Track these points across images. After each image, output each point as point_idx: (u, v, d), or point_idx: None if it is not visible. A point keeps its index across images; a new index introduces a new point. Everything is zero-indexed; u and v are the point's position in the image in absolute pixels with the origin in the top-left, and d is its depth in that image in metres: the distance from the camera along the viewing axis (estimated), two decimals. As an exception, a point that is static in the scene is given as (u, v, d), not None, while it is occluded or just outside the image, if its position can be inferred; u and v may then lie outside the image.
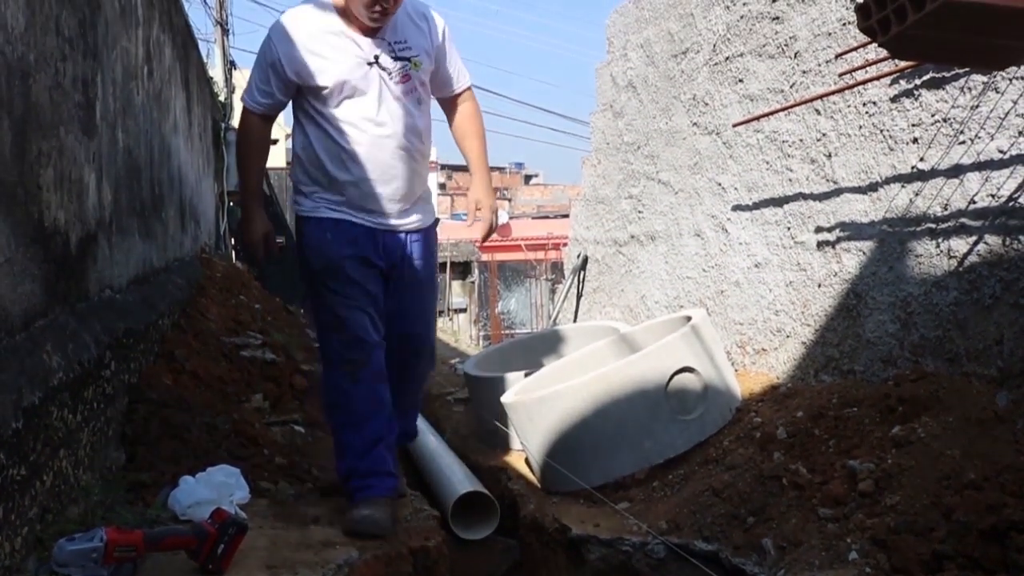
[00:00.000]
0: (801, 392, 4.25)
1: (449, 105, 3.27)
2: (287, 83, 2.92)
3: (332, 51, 2.87)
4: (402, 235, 3.10)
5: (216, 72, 10.62)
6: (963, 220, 3.53)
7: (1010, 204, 3.33)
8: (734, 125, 4.91)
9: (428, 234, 3.23)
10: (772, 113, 4.55)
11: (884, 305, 3.93)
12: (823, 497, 3.21)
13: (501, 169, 40.66)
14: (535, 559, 4.13)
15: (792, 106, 4.40)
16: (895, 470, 3.11)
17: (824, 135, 4.29)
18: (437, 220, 3.33)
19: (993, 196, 3.40)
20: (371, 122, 2.92)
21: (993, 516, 2.51)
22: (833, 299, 4.26)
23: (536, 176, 45.77)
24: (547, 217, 26.74)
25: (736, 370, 4.83)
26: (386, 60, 2.91)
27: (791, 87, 4.52)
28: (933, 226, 3.67)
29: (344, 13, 2.87)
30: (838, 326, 4.23)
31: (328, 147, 2.96)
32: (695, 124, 5.41)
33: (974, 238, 3.49)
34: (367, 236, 3.02)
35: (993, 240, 3.41)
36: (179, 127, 5.72)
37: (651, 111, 5.94)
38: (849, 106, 4.12)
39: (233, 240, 11.26)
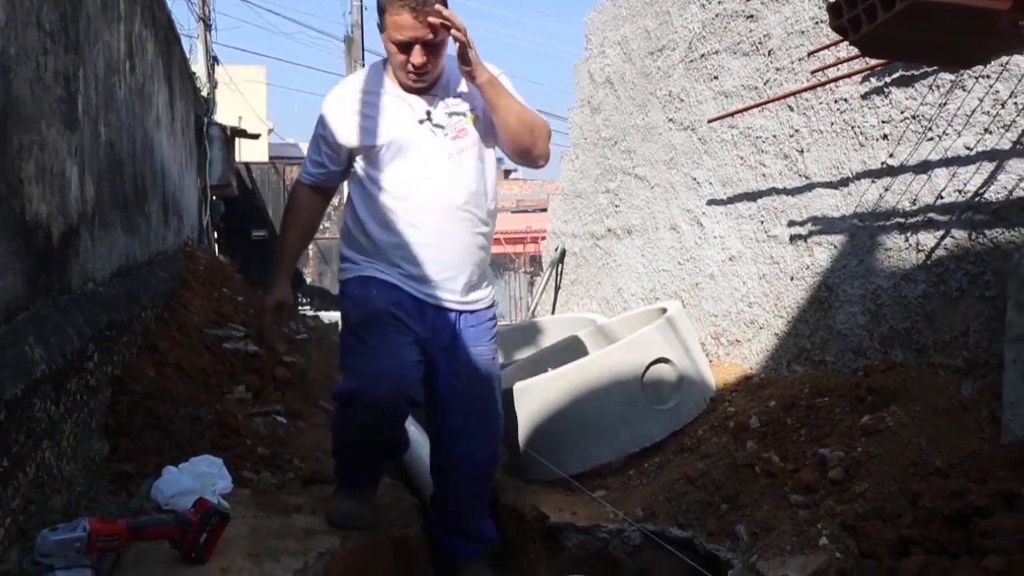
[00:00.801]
0: (774, 382, 4.33)
1: None
2: (337, 150, 2.86)
3: (381, 110, 2.79)
4: (454, 314, 2.88)
5: (199, 68, 10.60)
6: (931, 215, 3.62)
7: (976, 199, 3.41)
8: (709, 121, 4.98)
9: (485, 317, 3.01)
10: (746, 109, 4.62)
11: (855, 297, 4.01)
12: (795, 484, 3.28)
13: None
14: (514, 547, 4.18)
15: (766, 103, 4.47)
16: (864, 458, 3.18)
17: (797, 131, 4.36)
18: (494, 304, 3.12)
19: (960, 191, 3.48)
20: (419, 179, 2.78)
21: (958, 502, 2.59)
22: (805, 292, 4.34)
23: (515, 171, 45.68)
24: (526, 211, 26.77)
25: (711, 361, 4.90)
26: (439, 116, 2.79)
27: (765, 84, 4.59)
28: (902, 220, 3.75)
29: (394, 78, 2.82)
30: (810, 318, 4.31)
31: (373, 209, 2.83)
32: (671, 120, 5.47)
33: (941, 232, 3.57)
34: (414, 305, 2.82)
35: (960, 234, 3.49)
36: (162, 122, 5.73)
37: (628, 107, 6.00)
38: (821, 103, 4.20)
39: (216, 234, 11.24)
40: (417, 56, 2.66)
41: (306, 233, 3.07)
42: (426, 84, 2.78)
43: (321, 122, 2.86)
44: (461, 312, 2.89)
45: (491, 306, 3.04)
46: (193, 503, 2.43)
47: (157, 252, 5.19)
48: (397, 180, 2.78)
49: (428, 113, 2.78)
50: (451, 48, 2.76)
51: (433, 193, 2.77)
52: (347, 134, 2.81)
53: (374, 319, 2.77)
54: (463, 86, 2.82)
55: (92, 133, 3.25)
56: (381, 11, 2.67)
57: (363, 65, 14.91)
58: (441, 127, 2.78)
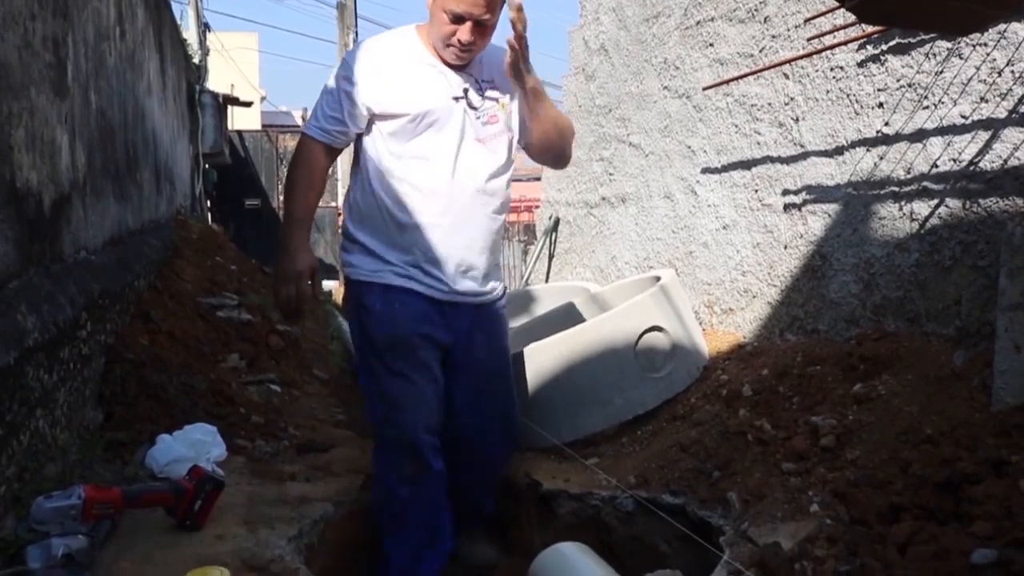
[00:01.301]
0: (767, 351, 4.35)
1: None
2: (359, 113, 2.64)
3: (417, 79, 2.62)
4: (471, 308, 2.78)
5: (190, 34, 10.49)
6: (925, 184, 3.61)
7: (971, 168, 3.41)
8: (704, 89, 4.95)
9: (500, 310, 2.93)
10: (741, 77, 4.60)
11: (848, 266, 4.02)
12: (786, 452, 3.30)
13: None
14: (507, 514, 4.21)
15: (761, 70, 4.44)
16: (856, 426, 3.20)
17: (792, 99, 4.34)
18: (505, 293, 3.01)
19: (955, 160, 3.48)
20: (450, 159, 2.63)
21: (947, 469, 2.61)
22: (799, 260, 4.34)
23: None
24: (520, 180, 26.64)
25: (704, 329, 4.91)
26: (474, 97, 2.67)
27: (760, 52, 4.56)
28: (896, 189, 3.75)
29: (432, 47, 2.66)
30: (803, 287, 4.31)
31: (394, 188, 2.65)
32: (666, 88, 5.44)
33: (935, 201, 3.57)
34: (436, 310, 2.69)
35: (954, 203, 3.49)
36: (153, 89, 5.67)
37: (622, 74, 5.96)
38: (817, 71, 4.17)
39: (208, 202, 11.19)
40: (466, 33, 2.53)
41: (316, 193, 2.79)
42: (464, 63, 2.66)
43: (346, 75, 2.63)
44: (478, 305, 2.78)
45: (503, 295, 2.96)
46: (188, 471, 2.44)
47: (149, 220, 5.17)
48: (426, 156, 2.62)
49: (465, 91, 2.65)
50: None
51: (463, 174, 2.64)
52: (378, 95, 2.61)
53: (401, 342, 2.64)
54: (497, 72, 2.69)
55: (82, 100, 3.22)
56: None
57: (356, 33, 14.75)
58: (475, 108, 2.66)
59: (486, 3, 2.49)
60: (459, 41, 2.54)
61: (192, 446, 2.79)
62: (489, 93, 2.69)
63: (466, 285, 2.72)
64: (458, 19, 2.50)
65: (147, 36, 5.44)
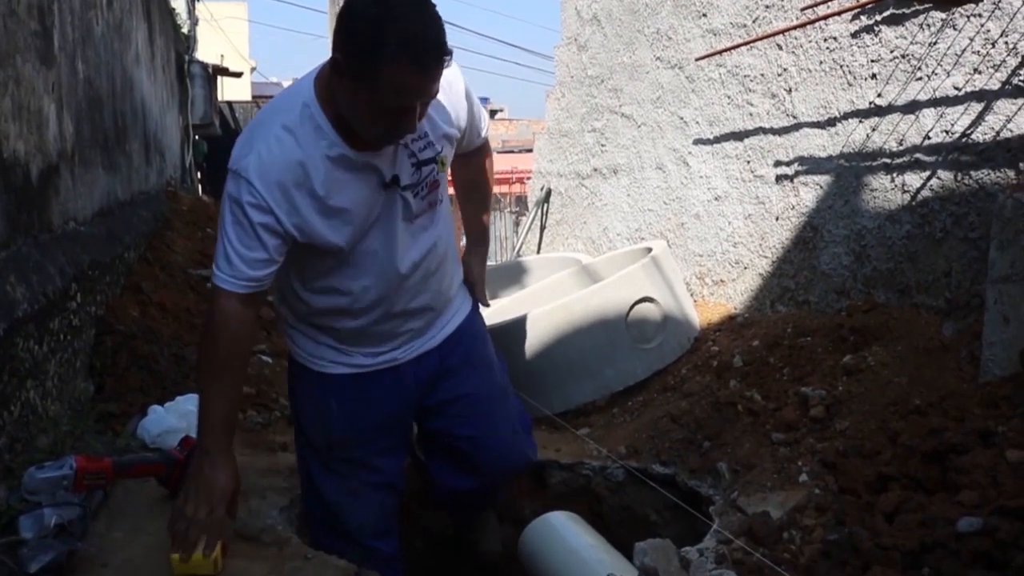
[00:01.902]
0: (757, 322, 4.36)
1: (462, 162, 2.42)
2: (286, 242, 1.97)
3: (344, 189, 1.96)
4: (434, 354, 2.32)
5: (179, 4, 10.36)
6: (918, 155, 3.61)
7: (963, 140, 3.40)
8: (697, 59, 4.93)
9: (472, 323, 2.46)
10: (734, 47, 4.57)
11: (839, 238, 4.02)
12: (776, 423, 3.32)
13: (466, 102, 40.11)
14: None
15: (754, 40, 4.42)
16: (845, 397, 3.22)
17: (785, 70, 4.33)
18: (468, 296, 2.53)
19: (947, 132, 3.47)
20: (386, 260, 2.09)
21: (935, 439, 2.63)
22: (790, 232, 4.34)
23: (501, 111, 45.31)
24: (512, 152, 26.58)
25: (695, 301, 4.92)
26: (406, 174, 2.02)
27: (754, 22, 4.53)
28: (888, 161, 3.75)
29: (342, 126, 1.92)
30: (794, 258, 4.32)
31: (330, 302, 2.16)
32: (658, 58, 5.41)
33: (927, 173, 3.57)
34: (391, 383, 2.25)
35: (946, 175, 3.49)
36: (141, 59, 5.62)
37: (615, 45, 5.92)
38: (810, 41, 4.15)
39: (199, 174, 11.11)
40: (414, 117, 1.85)
41: (241, 372, 2.15)
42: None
43: (255, 202, 1.88)
44: (440, 346, 2.33)
45: (469, 309, 2.48)
46: (179, 441, 2.44)
47: (139, 192, 5.14)
48: (358, 265, 2.07)
49: (395, 177, 2.00)
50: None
51: (405, 268, 2.12)
52: (311, 231, 1.95)
53: (337, 444, 2.25)
54: (430, 121, 2.03)
55: (69, 69, 3.19)
56: (363, 61, 1.75)
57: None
58: (408, 188, 2.04)
59: (436, 73, 1.80)
60: (407, 131, 1.90)
61: (184, 417, 2.79)
62: (423, 155, 2.04)
63: (421, 341, 2.28)
64: (400, 111, 1.82)
65: (135, 5, 5.38)
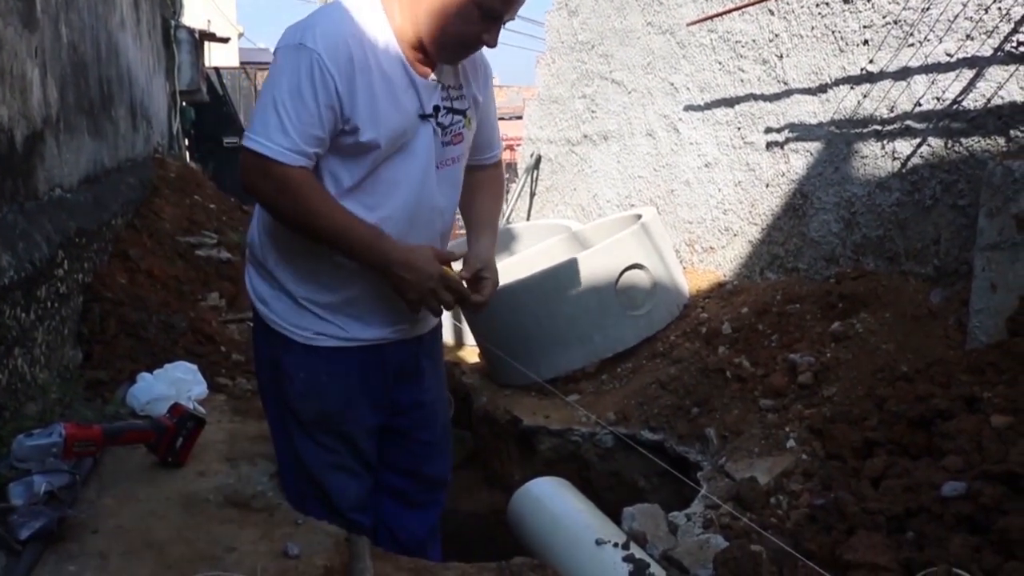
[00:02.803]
0: (747, 289, 4.37)
1: (472, 172, 2.25)
2: (338, 127, 1.86)
3: (390, 92, 1.90)
4: (414, 344, 2.21)
5: (165, -34, 10.22)
6: (908, 122, 3.60)
7: (954, 107, 3.40)
8: (688, 24, 4.89)
9: (438, 331, 2.40)
10: (726, 13, 4.54)
11: (829, 205, 4.02)
12: (764, 389, 3.35)
13: (456, 67, 39.79)
14: (488, 450, 4.26)
15: (746, 6, 4.39)
16: (833, 363, 3.24)
17: (777, 36, 4.30)
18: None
19: (938, 99, 3.46)
20: (415, 195, 1.99)
21: (921, 405, 2.65)
22: (780, 199, 4.34)
23: (492, 78, 44.95)
24: (502, 118, 26.42)
25: (684, 268, 4.93)
26: (444, 113, 2.02)
27: (746, -14, 4.50)
28: (879, 128, 3.74)
29: (402, 32, 1.91)
30: (784, 225, 4.32)
31: None
32: (649, 23, 5.37)
33: (918, 140, 3.56)
34: (375, 361, 2.12)
35: (936, 143, 3.48)
36: (127, 24, 5.54)
37: (606, 10, 5.87)
38: (802, 7, 4.12)
39: (187, 141, 11.02)
40: (498, 31, 1.92)
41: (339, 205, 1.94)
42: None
43: (324, 80, 1.80)
44: (420, 337, 2.23)
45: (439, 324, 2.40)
46: (168, 408, 2.44)
47: (126, 158, 5.09)
48: (383, 191, 1.97)
49: (436, 109, 1.99)
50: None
51: (424, 214, 2.04)
52: (369, 114, 1.87)
53: (330, 418, 2.12)
54: (460, 74, 2.07)
55: (53, 34, 3.14)
56: None
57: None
58: (442, 128, 2.01)
59: None
60: (486, 43, 1.92)
61: (173, 384, 2.79)
62: (456, 104, 2.05)
63: (408, 323, 2.16)
64: (495, 17, 1.87)
65: (119, -33, 5.30)
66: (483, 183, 2.30)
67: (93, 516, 2.00)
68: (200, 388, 2.92)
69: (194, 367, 2.97)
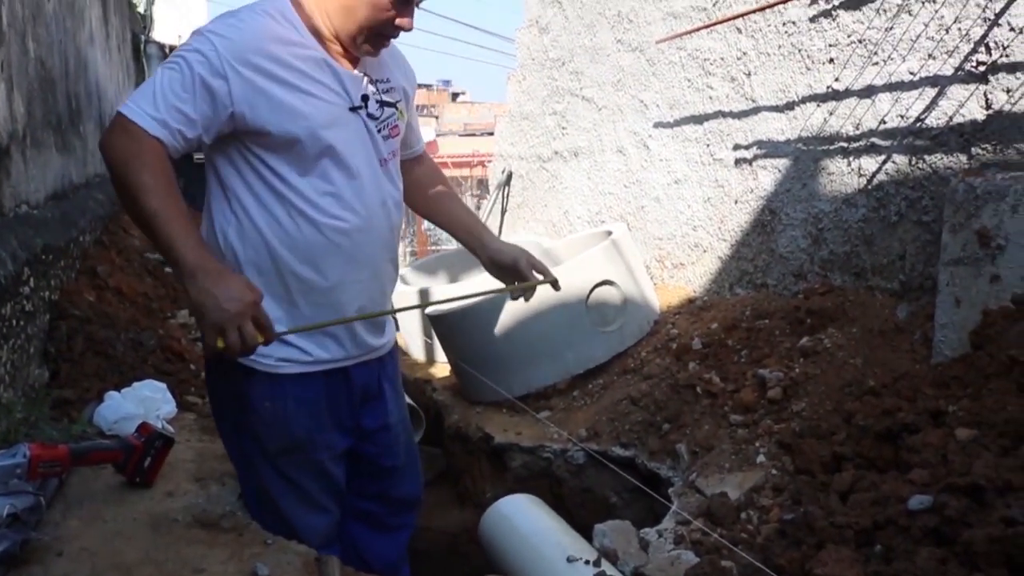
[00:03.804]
0: (716, 305, 4.40)
1: (406, 170, 2.21)
2: (219, 116, 1.78)
3: (307, 83, 1.85)
4: (375, 366, 2.14)
5: (134, -19, 10.16)
6: (873, 140, 3.66)
7: (917, 125, 3.45)
8: (658, 42, 4.94)
9: (395, 354, 2.29)
10: (695, 31, 4.59)
11: (797, 221, 4.07)
12: (734, 404, 3.37)
13: (428, 87, 39.95)
14: (460, 467, 4.25)
15: (714, 24, 4.44)
16: (802, 378, 3.27)
17: (744, 54, 4.35)
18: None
19: (902, 116, 3.52)
20: (353, 191, 1.93)
21: (888, 419, 2.68)
22: (749, 215, 4.38)
23: (463, 94, 45.09)
24: (473, 135, 26.51)
25: (655, 284, 4.96)
26: (373, 105, 1.96)
27: (714, 5, 4.55)
28: (845, 145, 3.79)
29: (316, 31, 1.89)
30: (753, 241, 4.36)
31: (295, 238, 1.89)
32: (619, 41, 5.41)
33: (883, 157, 3.62)
34: (340, 385, 2.05)
35: (900, 160, 3.54)
36: (96, 39, 5.51)
37: (576, 27, 5.92)
38: (769, 25, 4.18)
39: None
40: (412, 15, 1.90)
41: (177, 190, 1.79)
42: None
43: (213, 63, 1.76)
44: (381, 358, 2.16)
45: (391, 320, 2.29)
46: (136, 427, 2.41)
47: (95, 174, 5.05)
48: (324, 191, 1.89)
49: (364, 99, 1.94)
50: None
51: (374, 215, 1.97)
52: (255, 109, 1.80)
53: (298, 447, 2.03)
54: (387, 67, 2.04)
55: (19, 48, 3.12)
56: None
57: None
58: (376, 120, 1.97)
59: None
60: (402, 29, 1.90)
61: (141, 403, 2.76)
62: (386, 96, 2.00)
63: (368, 341, 2.09)
64: (406, 1, 1.87)
65: (88, -18, 5.27)
66: (436, 185, 2.30)
67: (58, 538, 1.98)
68: (169, 407, 2.89)
69: (163, 385, 2.94)
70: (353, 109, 1.92)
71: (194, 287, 1.67)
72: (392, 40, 1.96)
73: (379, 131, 1.97)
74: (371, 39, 1.90)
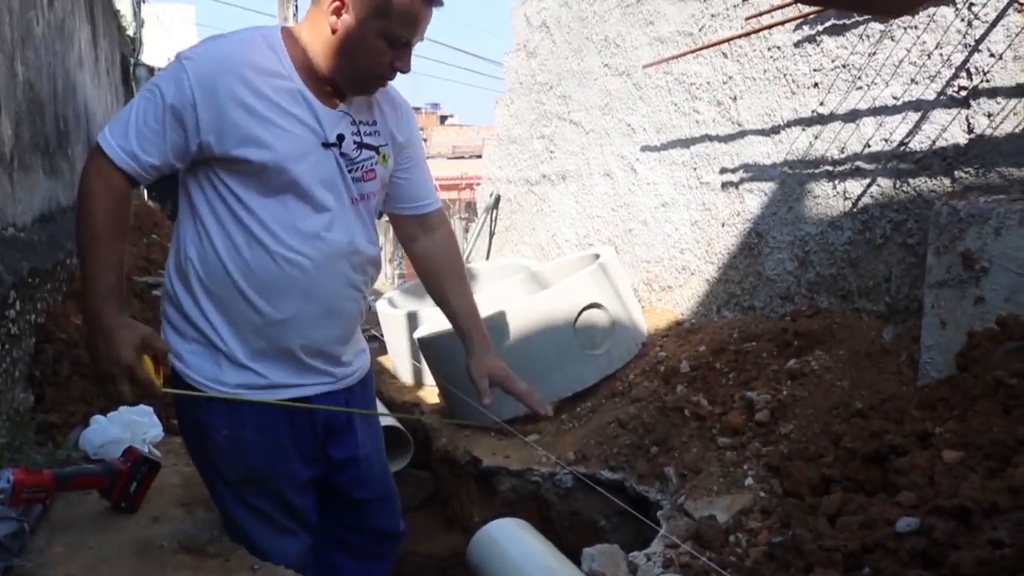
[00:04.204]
0: (704, 327, 4.41)
1: (415, 228, 2.20)
2: (189, 145, 1.80)
3: (278, 115, 1.83)
4: (341, 395, 2.09)
5: (124, 5, 10.18)
6: (858, 163, 3.69)
7: (901, 148, 3.48)
8: (644, 67, 4.98)
9: (369, 384, 2.25)
10: (681, 55, 4.63)
11: (783, 244, 4.09)
12: (722, 427, 3.37)
13: (417, 110, 40.12)
14: (448, 491, 4.23)
15: (700, 49, 4.48)
16: (789, 401, 3.28)
17: (730, 78, 4.39)
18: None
19: (886, 140, 3.55)
20: (318, 234, 1.91)
21: (876, 442, 2.69)
22: (736, 238, 4.40)
23: (451, 117, 45.30)
24: (462, 158, 26.61)
25: (643, 306, 4.97)
26: (349, 144, 1.93)
27: (700, 30, 4.59)
28: (830, 168, 3.82)
29: (304, 66, 1.88)
30: (740, 264, 4.38)
31: (252, 266, 1.87)
32: (606, 65, 5.46)
33: (868, 180, 3.65)
34: (302, 415, 2.01)
35: (885, 183, 3.57)
36: (85, 62, 5.52)
37: (564, 52, 5.96)
38: (755, 50, 4.22)
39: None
40: (409, 57, 1.89)
41: (122, 242, 1.89)
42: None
43: (181, 91, 1.77)
44: (347, 389, 2.12)
45: (366, 350, 2.27)
46: (122, 452, 2.40)
47: (82, 197, 5.05)
48: (285, 223, 1.87)
49: (339, 138, 1.92)
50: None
51: (337, 253, 1.94)
52: (223, 134, 1.79)
53: (258, 476, 2.00)
54: (376, 110, 2.02)
55: (8, 71, 3.12)
56: None
57: (296, 7, 14.22)
58: (349, 160, 1.94)
59: (431, 13, 1.87)
60: (399, 70, 1.89)
61: (127, 427, 2.74)
62: (368, 139, 1.98)
63: (333, 372, 2.06)
64: (403, 43, 1.85)
65: (78, 6, 5.29)
66: (444, 261, 2.22)
67: (42, 565, 1.96)
68: (156, 430, 2.87)
69: (149, 409, 2.92)
70: (326, 145, 1.90)
71: (88, 337, 1.81)
72: (390, 82, 1.95)
73: (351, 171, 1.94)
74: (367, 81, 1.91)
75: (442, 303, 2.24)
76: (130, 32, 10.69)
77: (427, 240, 2.21)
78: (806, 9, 3.70)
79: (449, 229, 2.29)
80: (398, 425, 4.47)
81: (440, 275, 2.21)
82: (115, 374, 1.77)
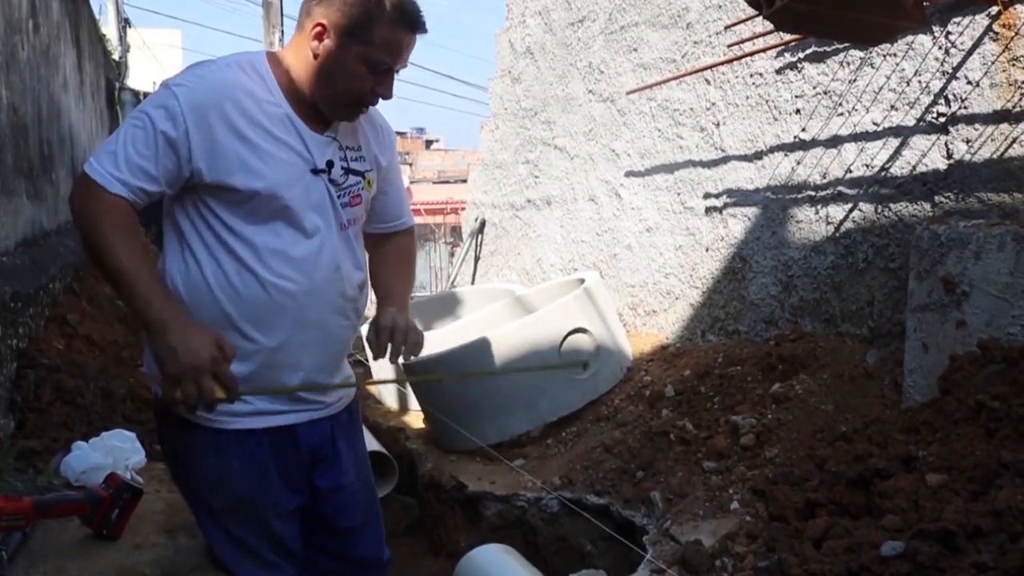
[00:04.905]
0: (689, 352, 4.43)
1: (383, 240, 2.22)
2: (182, 172, 1.79)
3: (268, 141, 1.83)
4: (326, 423, 2.06)
5: (110, 30, 10.21)
6: (840, 188, 3.72)
7: (882, 174, 3.52)
8: (628, 93, 5.02)
9: (355, 411, 2.22)
10: (664, 82, 4.67)
11: (767, 268, 4.12)
12: (708, 451, 3.37)
13: (402, 134, 40.18)
14: (433, 516, 4.21)
15: (684, 75, 4.52)
16: (774, 424, 3.29)
17: (713, 104, 4.43)
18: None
19: (867, 166, 3.59)
20: (308, 260, 1.90)
21: (860, 465, 2.69)
22: (720, 263, 4.43)
23: (437, 141, 45.45)
24: (447, 182, 26.67)
25: (628, 331, 4.98)
26: (337, 171, 1.94)
27: (683, 57, 4.64)
28: (813, 193, 3.86)
29: (290, 90, 1.88)
30: (724, 288, 4.40)
31: (241, 294, 1.85)
32: (591, 91, 5.50)
33: (850, 205, 3.68)
34: (287, 445, 1.98)
35: (867, 207, 3.60)
36: (69, 85, 5.52)
37: (548, 78, 6.00)
38: (737, 77, 4.27)
39: None
40: (391, 84, 1.90)
41: (145, 251, 1.89)
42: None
43: (173, 120, 1.76)
44: (333, 416, 2.09)
45: (352, 376, 2.23)
46: (104, 478, 2.38)
47: (66, 221, 5.02)
48: (278, 253, 1.87)
49: (329, 164, 1.92)
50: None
51: (326, 279, 1.93)
52: (214, 163, 1.79)
53: (244, 507, 1.97)
54: (362, 135, 2.03)
55: (-8, 96, 3.13)
56: (367, 21, 1.81)
57: (282, 31, 14.27)
58: (337, 186, 1.94)
59: (414, 40, 1.90)
60: (381, 96, 1.90)
61: (110, 453, 2.72)
62: (354, 164, 1.99)
63: (318, 400, 2.04)
64: (385, 70, 1.86)
65: (63, 30, 5.29)
66: (388, 255, 2.22)
67: (22, 592, 1.94)
68: (138, 457, 2.85)
69: (132, 435, 2.90)
70: (315, 172, 1.90)
71: (159, 342, 1.68)
72: (371, 107, 1.95)
73: (339, 197, 1.94)
74: (348, 106, 1.90)
75: (375, 285, 2.18)
76: (115, 56, 10.70)
77: (388, 243, 2.22)
78: (787, 37, 3.75)
79: (413, 239, 2.30)
80: (383, 450, 4.46)
81: (383, 261, 2.19)
82: (199, 367, 1.68)
